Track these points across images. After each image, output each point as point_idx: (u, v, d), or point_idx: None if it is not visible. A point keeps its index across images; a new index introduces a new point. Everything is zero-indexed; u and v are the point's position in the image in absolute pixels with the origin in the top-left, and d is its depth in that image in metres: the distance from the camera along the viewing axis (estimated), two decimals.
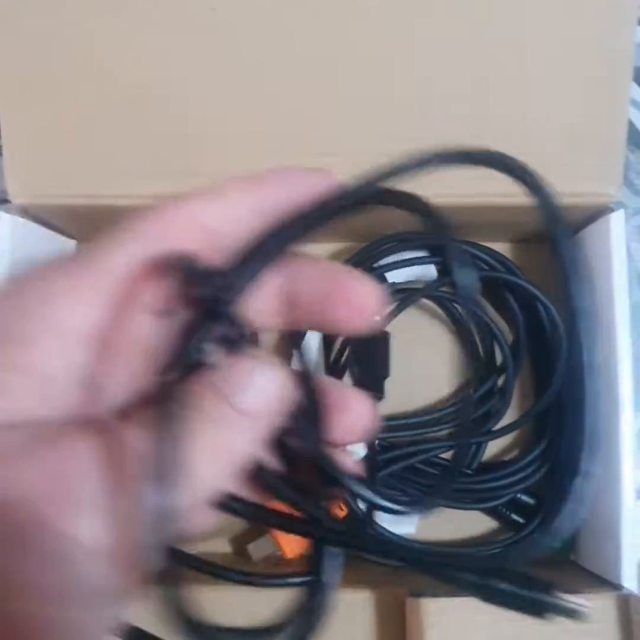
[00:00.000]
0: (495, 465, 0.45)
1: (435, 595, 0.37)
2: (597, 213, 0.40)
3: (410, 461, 0.44)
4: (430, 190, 0.19)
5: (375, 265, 0.46)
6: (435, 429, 0.45)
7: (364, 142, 0.38)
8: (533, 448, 0.44)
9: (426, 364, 0.47)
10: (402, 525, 0.45)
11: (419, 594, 0.38)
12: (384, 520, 0.44)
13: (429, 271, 0.46)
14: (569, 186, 0.38)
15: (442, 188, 0.37)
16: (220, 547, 0.46)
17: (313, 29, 0.38)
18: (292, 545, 0.43)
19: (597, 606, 0.37)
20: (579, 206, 0.39)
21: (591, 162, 0.39)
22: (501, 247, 0.47)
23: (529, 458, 0.44)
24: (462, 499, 0.44)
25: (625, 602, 0.37)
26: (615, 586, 0.38)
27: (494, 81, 0.38)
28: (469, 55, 0.38)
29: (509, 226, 0.45)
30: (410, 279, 0.45)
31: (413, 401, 0.46)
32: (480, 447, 0.45)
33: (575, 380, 0.42)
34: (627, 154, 0.46)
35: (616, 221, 0.39)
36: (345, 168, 0.20)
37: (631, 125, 0.46)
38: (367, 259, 0.45)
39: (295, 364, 0.23)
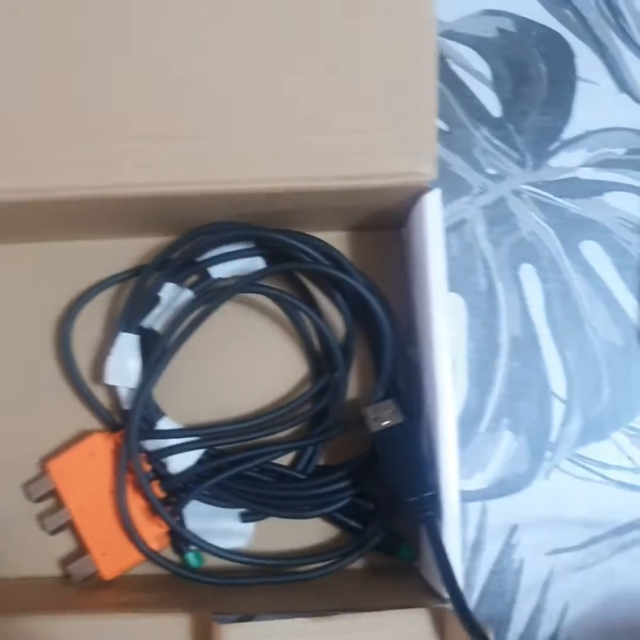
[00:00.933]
0: (330, 468, 0.42)
1: (241, 617, 0.34)
2: (416, 195, 0.37)
3: (240, 468, 0.41)
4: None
5: (199, 259, 0.42)
6: (267, 432, 0.41)
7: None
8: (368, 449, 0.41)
9: (259, 364, 0.43)
10: (232, 539, 0.41)
11: (223, 618, 0.35)
12: (213, 535, 0.41)
13: (256, 263, 0.42)
14: (379, 167, 0.35)
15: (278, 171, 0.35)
16: (49, 569, 0.43)
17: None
18: (110, 566, 0.40)
19: (412, 620, 0.34)
20: (390, 188, 0.36)
21: (400, 140, 0.35)
22: (336, 236, 0.43)
23: (365, 460, 0.41)
24: (295, 507, 0.41)
25: (440, 617, 0.34)
26: (440, 598, 0.35)
27: (286, 65, 0.35)
28: (264, 41, 0.35)
29: (343, 213, 0.42)
30: (236, 273, 0.42)
31: (246, 404, 0.43)
32: (315, 449, 0.42)
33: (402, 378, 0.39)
34: (471, 130, 0.43)
35: (431, 202, 0.36)
36: None
37: (475, 99, 0.43)
38: (189, 253, 0.42)
39: None
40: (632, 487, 0.42)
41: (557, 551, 0.42)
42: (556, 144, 0.44)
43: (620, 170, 0.44)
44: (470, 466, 0.42)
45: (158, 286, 0.42)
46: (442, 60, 0.45)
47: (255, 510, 0.41)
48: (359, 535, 0.41)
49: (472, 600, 0.41)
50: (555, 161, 0.44)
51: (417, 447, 0.38)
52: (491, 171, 0.44)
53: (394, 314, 0.40)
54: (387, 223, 0.42)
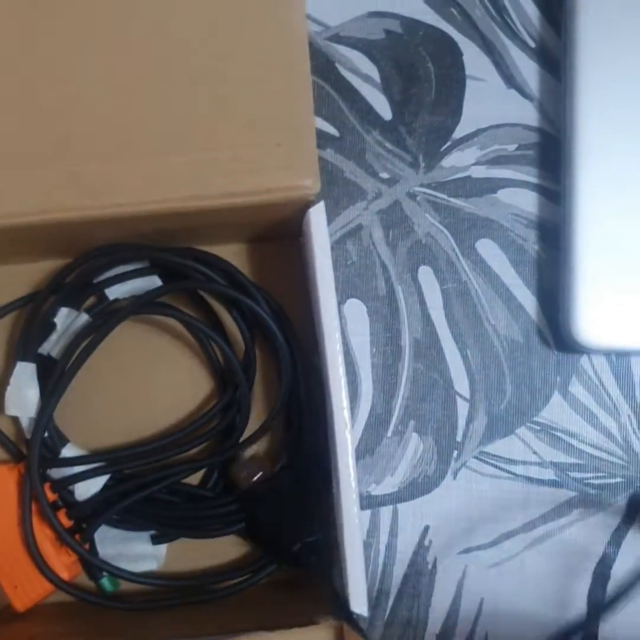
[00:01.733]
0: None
1: None
2: (303, 208, 0.37)
3: (148, 491, 0.40)
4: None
5: (95, 281, 0.42)
6: (174, 452, 0.41)
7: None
8: (276, 461, 0.41)
9: (162, 383, 0.43)
10: (145, 562, 0.41)
11: None
12: (125, 559, 0.41)
13: (154, 282, 0.42)
14: (261, 182, 0.35)
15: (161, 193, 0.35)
16: None
17: None
18: (22, 598, 0.40)
19: (311, 638, 0.34)
20: (275, 203, 0.36)
21: (281, 154, 0.35)
22: (237, 248, 0.43)
23: (273, 473, 0.41)
24: (205, 526, 0.41)
25: (340, 632, 0.34)
26: (345, 611, 0.36)
27: (161, 84, 0.35)
28: (137, 61, 0.35)
29: (237, 227, 0.41)
30: (133, 293, 0.42)
31: (151, 425, 0.43)
32: (223, 467, 0.42)
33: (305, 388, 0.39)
34: (362, 135, 0.43)
35: (316, 216, 0.36)
36: None
37: (365, 103, 0.43)
38: (84, 276, 0.41)
39: None
40: (539, 482, 0.42)
41: (469, 550, 0.42)
42: (448, 144, 0.44)
43: (512, 166, 0.44)
44: (380, 470, 0.42)
45: (53, 311, 0.41)
46: (331, 65, 0.44)
47: (165, 531, 0.41)
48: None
49: (388, 603, 0.42)
50: (448, 161, 0.44)
51: (299, 491, 0.39)
52: (385, 175, 0.44)
53: (291, 327, 0.40)
54: (285, 233, 0.42)
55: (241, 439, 0.41)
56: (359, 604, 0.35)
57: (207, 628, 0.37)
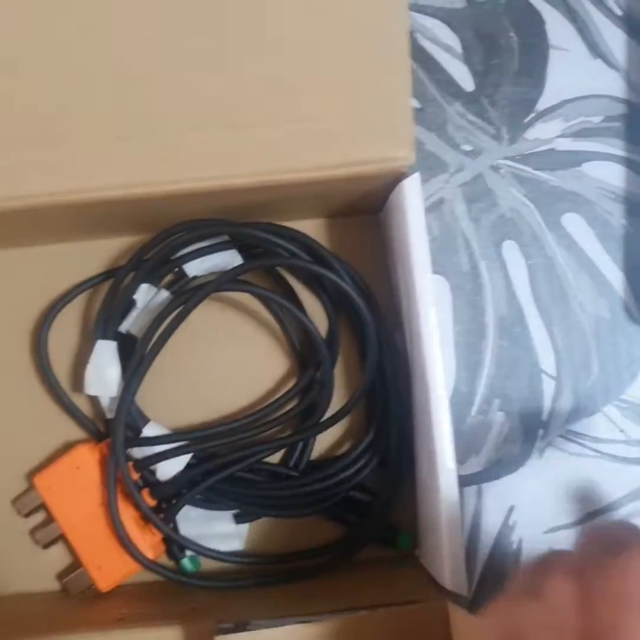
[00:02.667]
0: (323, 463, 0.41)
1: (237, 624, 0.34)
2: (395, 180, 0.36)
3: (231, 470, 0.40)
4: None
5: (173, 257, 0.41)
6: (256, 431, 0.40)
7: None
8: (360, 441, 0.40)
9: (242, 362, 0.42)
10: (227, 542, 0.41)
11: (226, 628, 0.34)
12: (208, 539, 0.40)
13: (234, 258, 0.41)
14: (355, 154, 0.34)
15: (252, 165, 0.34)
16: (46, 584, 0.42)
17: None
18: (105, 578, 0.40)
19: (410, 617, 0.33)
20: (368, 176, 0.35)
21: (376, 124, 0.34)
22: (315, 224, 0.42)
23: (357, 451, 0.40)
24: (291, 506, 0.40)
25: (441, 611, 0.33)
26: (445, 591, 0.35)
27: (248, 54, 0.34)
28: (218, 31, 0.33)
29: (321, 202, 0.40)
30: (212, 270, 0.41)
31: (231, 403, 0.42)
32: (306, 445, 0.41)
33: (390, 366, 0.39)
34: (444, 106, 0.42)
35: (410, 188, 0.35)
36: None
37: (446, 73, 0.42)
38: (164, 251, 0.41)
39: None
40: (625, 460, 0.42)
41: (554, 529, 0.41)
42: (531, 116, 0.43)
43: (598, 138, 0.43)
44: (464, 450, 0.42)
45: (133, 288, 0.40)
46: (410, 35, 0.43)
47: (248, 511, 0.41)
48: (356, 528, 0.40)
49: (472, 584, 0.41)
50: (532, 133, 0.43)
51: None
52: (467, 147, 0.43)
53: (376, 304, 0.40)
54: (365, 208, 0.41)
55: (323, 418, 0.40)
56: (458, 584, 0.34)
57: (293, 609, 0.37)
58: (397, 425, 0.39)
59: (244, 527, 0.41)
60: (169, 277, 0.42)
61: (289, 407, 0.41)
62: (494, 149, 0.43)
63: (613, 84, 0.43)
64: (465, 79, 0.43)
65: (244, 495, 0.40)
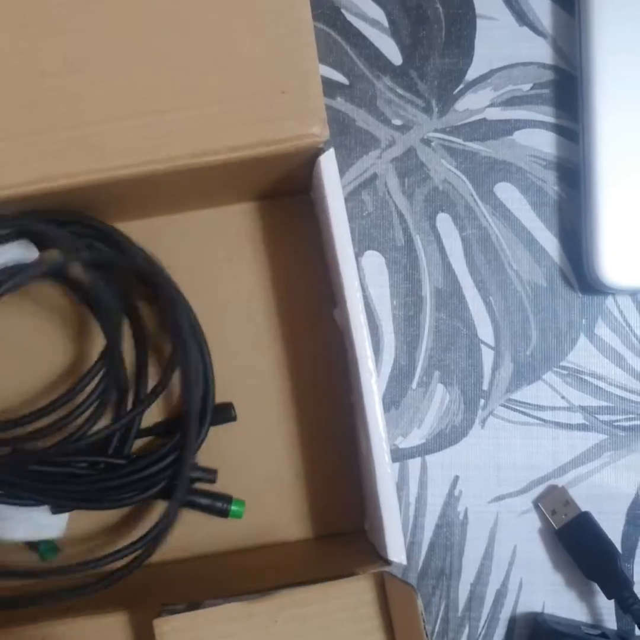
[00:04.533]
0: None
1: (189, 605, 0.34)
2: (312, 158, 0.36)
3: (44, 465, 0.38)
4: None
5: None
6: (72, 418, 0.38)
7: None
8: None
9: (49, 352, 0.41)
10: (46, 531, 0.39)
11: (169, 609, 0.34)
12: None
13: (29, 249, 0.39)
14: (269, 133, 0.34)
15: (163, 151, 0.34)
16: None
17: None
18: None
19: (350, 589, 0.34)
20: (284, 154, 0.35)
21: (286, 103, 0.34)
22: (248, 207, 0.42)
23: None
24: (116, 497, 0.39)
25: (380, 581, 0.34)
26: (385, 561, 0.35)
27: (153, 40, 0.34)
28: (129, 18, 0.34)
29: (246, 184, 0.41)
30: (8, 264, 0.38)
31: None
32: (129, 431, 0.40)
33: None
34: (373, 81, 0.42)
35: (326, 164, 0.35)
36: None
37: (374, 48, 0.42)
38: None
39: None
40: (568, 426, 0.42)
41: (500, 498, 0.42)
42: (461, 87, 0.43)
43: (528, 106, 0.43)
44: (406, 423, 0.42)
45: None
46: (337, 11, 0.43)
47: (66, 505, 0.39)
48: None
49: (420, 555, 0.42)
50: (462, 104, 0.43)
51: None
52: (397, 122, 0.43)
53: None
54: (295, 188, 0.41)
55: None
56: (396, 552, 0.34)
57: (239, 587, 0.37)
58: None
59: (64, 517, 0.40)
60: None
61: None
62: (424, 122, 0.43)
63: (540, 51, 0.43)
64: (393, 53, 0.43)
65: (61, 491, 0.38)
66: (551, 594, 0.41)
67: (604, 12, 0.41)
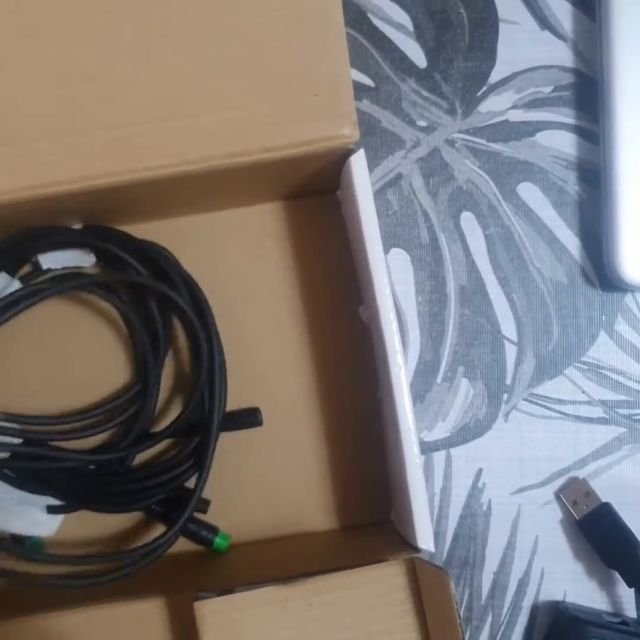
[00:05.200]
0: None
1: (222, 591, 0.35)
2: (342, 158, 0.37)
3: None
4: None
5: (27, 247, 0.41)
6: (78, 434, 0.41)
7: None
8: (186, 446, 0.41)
9: (91, 358, 0.43)
10: (40, 527, 0.40)
11: (205, 595, 0.35)
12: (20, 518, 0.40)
13: (89, 256, 0.41)
14: (300, 135, 0.35)
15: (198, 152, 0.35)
16: None
17: None
18: None
19: (382, 574, 0.35)
20: (314, 155, 0.36)
21: (317, 104, 0.35)
22: (275, 206, 0.43)
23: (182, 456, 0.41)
24: (112, 503, 0.41)
25: (411, 567, 0.35)
26: (414, 548, 0.36)
27: (186, 45, 0.35)
28: (159, 23, 0.35)
29: (274, 185, 0.42)
30: (67, 264, 0.41)
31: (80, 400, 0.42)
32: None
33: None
34: (398, 84, 0.43)
35: (356, 164, 0.36)
36: None
37: (399, 51, 0.43)
38: (12, 242, 0.40)
39: None
40: (589, 420, 0.43)
41: (522, 489, 0.43)
42: (484, 89, 0.44)
43: (550, 108, 0.44)
44: (431, 417, 0.43)
45: None
46: (363, 15, 0.44)
47: (67, 502, 0.41)
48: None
49: (445, 545, 0.43)
50: (485, 106, 0.44)
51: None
52: (422, 123, 0.44)
53: (212, 319, 0.41)
54: (322, 188, 0.42)
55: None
56: (425, 539, 0.36)
57: (269, 574, 0.38)
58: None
59: (58, 517, 0.41)
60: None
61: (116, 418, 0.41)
62: (448, 124, 0.44)
63: (562, 55, 0.44)
64: (417, 56, 0.44)
65: (66, 485, 0.40)
66: (572, 582, 0.42)
67: (624, 16, 0.42)
